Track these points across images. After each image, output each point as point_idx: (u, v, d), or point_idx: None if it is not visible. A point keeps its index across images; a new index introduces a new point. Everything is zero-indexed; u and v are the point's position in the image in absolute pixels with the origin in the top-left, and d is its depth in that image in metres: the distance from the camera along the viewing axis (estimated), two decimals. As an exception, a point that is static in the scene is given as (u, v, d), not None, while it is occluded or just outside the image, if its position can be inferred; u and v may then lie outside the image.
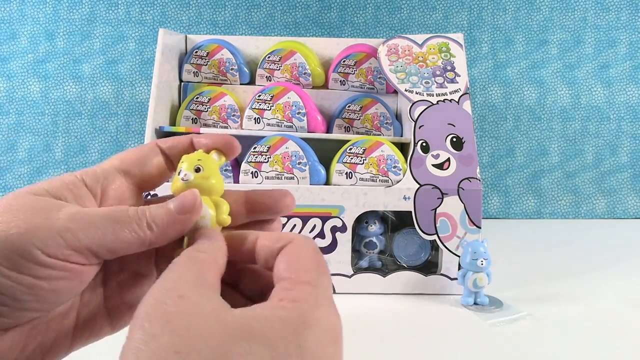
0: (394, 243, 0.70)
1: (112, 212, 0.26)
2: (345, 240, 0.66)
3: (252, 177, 0.67)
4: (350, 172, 0.67)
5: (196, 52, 0.78)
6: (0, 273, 0.23)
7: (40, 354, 0.26)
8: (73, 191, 0.27)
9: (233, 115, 0.76)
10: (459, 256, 0.66)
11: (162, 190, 0.55)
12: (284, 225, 0.66)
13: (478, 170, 0.68)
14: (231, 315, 0.21)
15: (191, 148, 0.31)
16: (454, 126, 0.70)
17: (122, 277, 0.30)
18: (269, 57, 0.78)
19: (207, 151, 0.31)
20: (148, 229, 0.26)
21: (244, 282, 0.29)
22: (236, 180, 0.70)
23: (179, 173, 0.29)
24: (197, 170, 0.29)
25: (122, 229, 0.25)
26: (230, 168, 0.71)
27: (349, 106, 0.76)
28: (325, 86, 0.80)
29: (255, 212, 0.31)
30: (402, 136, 0.76)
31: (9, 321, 0.24)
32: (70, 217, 0.25)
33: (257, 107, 0.73)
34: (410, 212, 0.66)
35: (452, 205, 0.66)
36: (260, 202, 0.30)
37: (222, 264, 0.26)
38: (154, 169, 0.31)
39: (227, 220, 0.29)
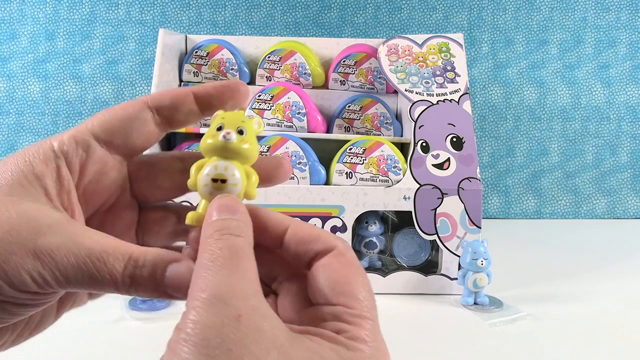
0: (394, 243, 0.70)
1: (91, 256, 0.23)
2: (345, 240, 0.66)
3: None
4: (350, 172, 0.67)
5: (196, 52, 0.78)
6: None
7: (28, 331, 0.26)
8: (53, 173, 0.25)
9: (233, 115, 0.76)
10: (459, 256, 0.66)
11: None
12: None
13: (478, 170, 0.68)
14: (295, 351, 0.20)
15: (193, 104, 0.28)
16: (454, 126, 0.70)
17: None
18: (269, 57, 0.78)
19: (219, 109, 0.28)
20: (125, 288, 0.23)
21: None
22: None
23: (218, 129, 0.26)
24: (240, 132, 0.26)
25: (98, 282, 0.23)
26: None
27: (349, 106, 0.76)
28: (325, 86, 0.80)
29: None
30: (402, 136, 0.76)
31: None
32: (47, 249, 0.22)
33: (257, 107, 0.73)
34: (411, 212, 0.66)
35: (452, 205, 0.66)
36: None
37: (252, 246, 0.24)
38: (141, 136, 0.27)
39: (255, 194, 0.27)
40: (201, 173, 0.26)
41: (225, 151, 0.26)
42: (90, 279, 0.22)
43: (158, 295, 0.23)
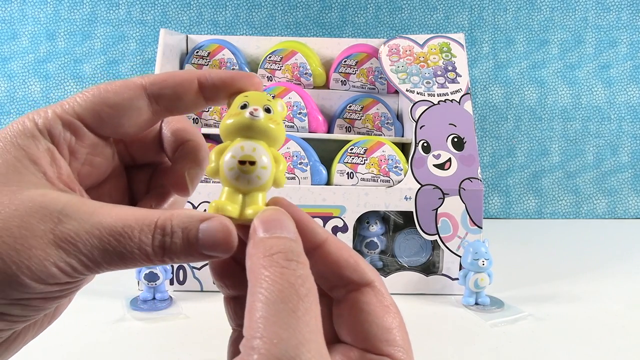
0: (395, 243, 0.70)
1: (114, 231, 0.21)
2: (346, 240, 0.66)
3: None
4: (351, 172, 0.67)
5: (197, 52, 0.78)
6: None
7: (47, 320, 0.25)
8: (47, 156, 0.23)
9: (234, 116, 0.76)
10: (460, 256, 0.66)
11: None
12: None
13: (479, 170, 0.68)
14: None
15: (198, 95, 0.25)
16: (455, 126, 0.70)
17: None
18: (270, 57, 0.78)
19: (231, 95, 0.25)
20: (159, 258, 0.21)
21: None
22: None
23: (243, 107, 0.23)
24: (267, 111, 0.23)
25: (129, 259, 0.21)
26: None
27: (350, 106, 0.76)
28: (326, 86, 0.80)
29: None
30: (403, 136, 0.76)
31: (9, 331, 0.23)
32: (65, 236, 0.21)
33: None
34: (412, 212, 0.66)
35: (453, 206, 0.66)
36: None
37: None
38: (134, 125, 0.25)
39: (284, 181, 0.24)
40: (224, 156, 0.23)
41: (252, 130, 0.23)
42: (120, 258, 0.21)
43: (193, 259, 0.21)
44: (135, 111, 0.24)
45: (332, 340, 0.23)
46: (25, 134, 0.23)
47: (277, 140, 0.24)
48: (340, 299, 0.23)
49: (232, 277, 0.24)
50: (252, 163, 0.23)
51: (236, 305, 0.24)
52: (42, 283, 0.20)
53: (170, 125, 0.27)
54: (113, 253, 0.21)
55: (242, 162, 0.23)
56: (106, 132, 0.25)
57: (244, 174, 0.23)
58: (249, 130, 0.23)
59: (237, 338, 0.24)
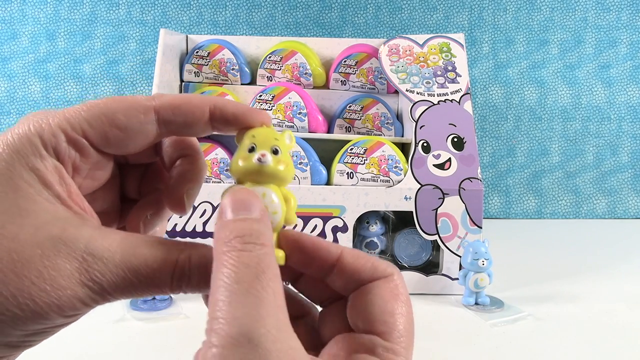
0: (395, 243, 0.70)
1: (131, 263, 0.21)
2: (346, 240, 0.66)
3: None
4: (351, 172, 0.67)
5: (197, 52, 0.78)
6: None
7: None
8: (54, 173, 0.22)
9: (234, 116, 0.76)
10: (460, 256, 0.66)
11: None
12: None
13: (479, 170, 0.68)
14: None
15: (207, 124, 0.25)
16: (455, 126, 0.70)
17: None
18: (269, 57, 0.78)
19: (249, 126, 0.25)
20: (176, 292, 0.22)
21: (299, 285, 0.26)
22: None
23: (251, 150, 0.23)
24: (275, 152, 0.23)
25: (146, 294, 0.22)
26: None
27: (349, 106, 0.76)
28: (326, 86, 0.80)
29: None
30: (403, 136, 0.76)
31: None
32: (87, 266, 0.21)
33: (258, 108, 0.73)
34: (412, 212, 0.66)
35: (453, 205, 0.66)
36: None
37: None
38: (139, 146, 0.25)
39: (295, 218, 0.24)
40: None
41: (261, 175, 0.23)
42: (138, 294, 0.22)
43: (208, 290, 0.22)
44: (143, 134, 0.24)
45: (319, 345, 0.24)
46: (34, 154, 0.22)
47: (285, 180, 0.24)
48: (357, 292, 0.24)
49: None
50: None
51: None
52: (66, 317, 0.21)
53: (172, 142, 0.27)
54: (134, 291, 0.22)
55: None
56: (110, 151, 0.24)
57: None
58: (257, 175, 0.23)
59: None
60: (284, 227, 0.24)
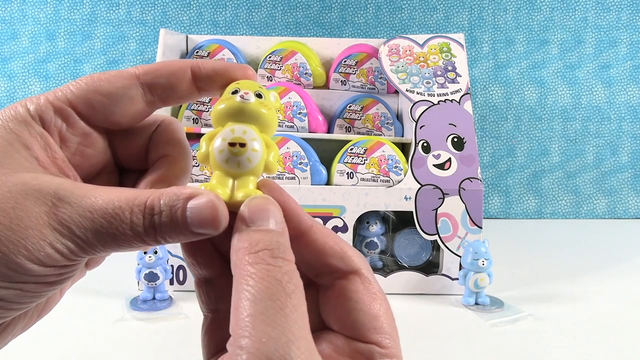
0: (395, 243, 0.70)
1: (106, 211, 0.21)
2: (346, 240, 0.66)
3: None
4: (351, 172, 0.67)
5: (197, 52, 0.78)
6: None
7: (37, 314, 0.25)
8: (40, 140, 0.23)
9: (234, 116, 0.76)
10: (460, 256, 0.66)
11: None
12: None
13: (479, 170, 0.68)
14: None
15: (191, 85, 0.25)
16: (455, 126, 0.70)
17: None
18: (270, 57, 0.78)
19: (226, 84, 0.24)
20: (152, 239, 0.21)
21: None
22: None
23: (234, 92, 0.23)
24: (259, 96, 0.23)
25: (122, 240, 0.21)
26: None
27: (350, 106, 0.76)
28: (326, 86, 0.80)
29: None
30: (403, 136, 0.76)
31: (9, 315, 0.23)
32: (60, 220, 0.21)
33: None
34: (412, 212, 0.66)
35: (453, 205, 0.66)
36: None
37: None
38: (127, 115, 0.25)
39: (276, 167, 0.23)
40: (214, 140, 0.23)
41: (243, 114, 0.23)
42: (113, 240, 0.21)
43: (185, 237, 0.21)
44: (128, 100, 0.24)
45: (318, 327, 0.23)
46: (17, 119, 0.22)
47: (269, 126, 0.23)
48: (327, 286, 0.23)
49: (203, 254, 0.24)
50: (243, 145, 0.22)
51: (208, 289, 0.24)
52: (40, 265, 0.20)
53: (158, 141, 0.27)
54: (106, 235, 0.21)
55: (232, 144, 0.22)
56: (98, 121, 0.24)
57: (234, 156, 0.22)
58: (239, 114, 0.23)
59: (210, 325, 0.24)
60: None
